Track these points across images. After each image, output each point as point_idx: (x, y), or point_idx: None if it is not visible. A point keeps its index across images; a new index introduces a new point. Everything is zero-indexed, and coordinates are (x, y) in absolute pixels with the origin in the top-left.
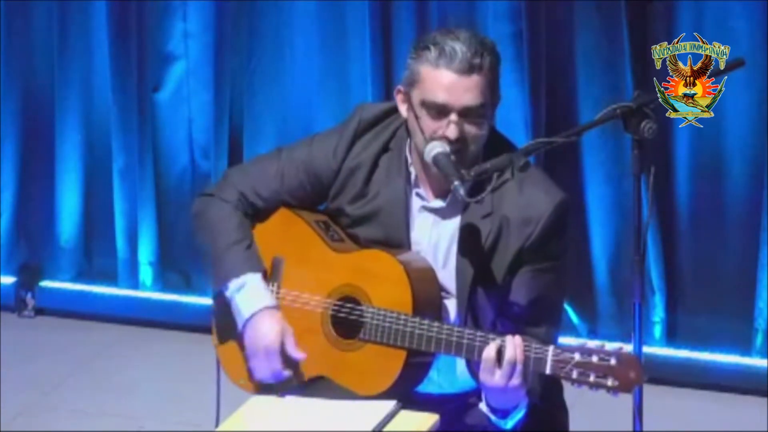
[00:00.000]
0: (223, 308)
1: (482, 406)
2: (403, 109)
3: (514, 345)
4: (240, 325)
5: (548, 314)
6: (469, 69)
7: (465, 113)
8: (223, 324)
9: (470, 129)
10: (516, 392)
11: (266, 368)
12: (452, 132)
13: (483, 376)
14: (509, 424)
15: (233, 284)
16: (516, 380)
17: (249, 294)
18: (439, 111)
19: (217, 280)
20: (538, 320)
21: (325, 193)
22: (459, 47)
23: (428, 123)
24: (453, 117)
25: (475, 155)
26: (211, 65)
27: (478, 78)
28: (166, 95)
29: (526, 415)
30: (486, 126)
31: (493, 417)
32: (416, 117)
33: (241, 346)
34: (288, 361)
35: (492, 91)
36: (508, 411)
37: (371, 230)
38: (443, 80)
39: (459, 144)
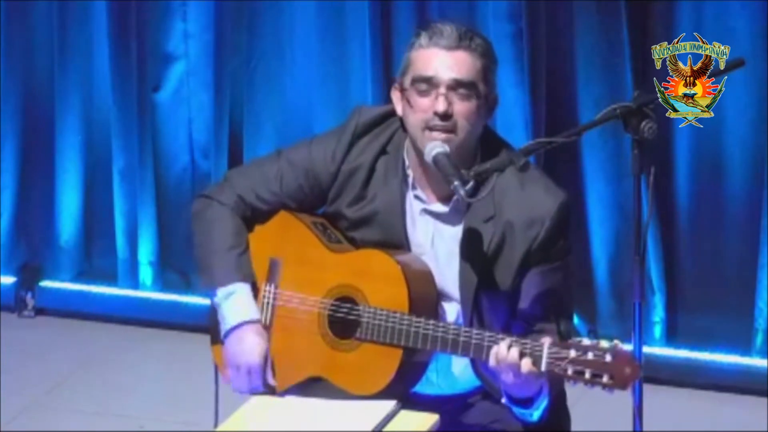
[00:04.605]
0: (215, 310)
1: (504, 401)
2: (399, 107)
3: (507, 346)
4: (223, 332)
5: (561, 311)
6: (456, 45)
7: (453, 86)
8: (215, 326)
9: (459, 107)
10: (532, 380)
11: (245, 383)
12: (441, 105)
13: (502, 376)
14: (535, 414)
15: (221, 292)
16: (525, 369)
17: (236, 303)
18: (428, 85)
19: (206, 284)
20: (551, 318)
21: (324, 196)
22: (448, 27)
23: (418, 101)
24: (441, 90)
25: (469, 150)
26: (211, 65)
27: (465, 54)
28: (166, 95)
29: (546, 409)
30: (477, 113)
31: (516, 409)
32: (409, 104)
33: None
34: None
35: (485, 80)
36: (532, 398)
37: (370, 233)
38: (431, 56)
39: (448, 122)
